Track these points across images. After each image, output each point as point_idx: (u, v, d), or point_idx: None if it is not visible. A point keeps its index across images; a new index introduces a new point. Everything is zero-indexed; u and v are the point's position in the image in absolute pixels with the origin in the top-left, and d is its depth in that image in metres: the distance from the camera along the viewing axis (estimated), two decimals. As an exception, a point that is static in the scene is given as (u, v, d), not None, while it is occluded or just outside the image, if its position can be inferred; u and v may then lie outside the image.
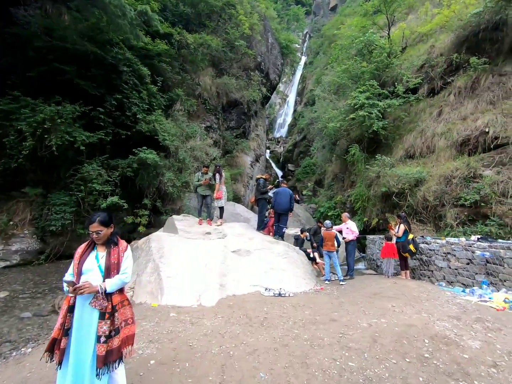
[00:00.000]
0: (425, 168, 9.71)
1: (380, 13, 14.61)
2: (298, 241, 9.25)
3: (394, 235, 7.43)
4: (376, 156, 11.92)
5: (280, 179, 22.67)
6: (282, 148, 37.29)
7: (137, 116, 11.61)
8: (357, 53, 12.45)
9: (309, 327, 4.08)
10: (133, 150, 11.17)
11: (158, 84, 12.89)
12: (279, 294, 5.59)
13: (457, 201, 8.52)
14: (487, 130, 8.68)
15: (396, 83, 12.16)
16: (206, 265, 6.05)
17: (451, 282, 6.68)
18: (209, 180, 7.90)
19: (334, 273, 8.05)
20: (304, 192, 18.44)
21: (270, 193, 8.66)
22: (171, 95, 13.94)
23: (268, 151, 36.17)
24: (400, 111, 12.14)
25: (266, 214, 12.13)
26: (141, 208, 11.72)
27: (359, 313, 4.60)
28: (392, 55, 12.21)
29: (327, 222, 7.77)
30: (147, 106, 12.09)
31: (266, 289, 5.73)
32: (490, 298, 5.15)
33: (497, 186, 7.73)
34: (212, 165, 11.83)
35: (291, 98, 46.29)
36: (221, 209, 8.13)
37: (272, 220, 9.80)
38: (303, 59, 47.61)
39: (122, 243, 2.44)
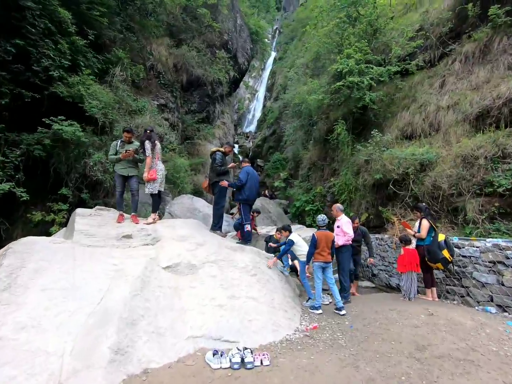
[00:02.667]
0: (432, 148, 7.34)
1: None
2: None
3: (414, 235, 4.85)
4: (361, 140, 9.45)
5: (241, 158, 19.62)
6: (251, 143, 34.75)
7: (51, 73, 8.11)
8: (340, 19, 9.91)
9: None
10: (44, 120, 7.78)
11: (90, 37, 9.41)
12: (242, 363, 2.70)
13: (481, 189, 6.20)
14: (515, 97, 6.44)
15: (388, 52, 9.78)
16: (101, 303, 2.99)
17: (507, 306, 4.22)
18: (133, 152, 4.79)
19: (327, 292, 5.34)
20: (276, 184, 15.68)
21: (242, 175, 5.57)
22: (109, 57, 10.47)
23: (236, 146, 33.56)
24: (391, 85, 9.79)
25: (237, 216, 8.85)
26: (56, 202, 8.28)
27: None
28: (382, 19, 9.81)
29: (320, 217, 4.96)
30: (68, 63, 8.58)
31: (215, 353, 2.78)
32: None
33: (541, 167, 5.47)
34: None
35: (261, 93, 43.91)
36: (155, 197, 5.04)
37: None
38: (273, 54, 45.45)
39: None
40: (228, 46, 19.44)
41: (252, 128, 39.17)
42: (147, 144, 4.78)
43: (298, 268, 5.70)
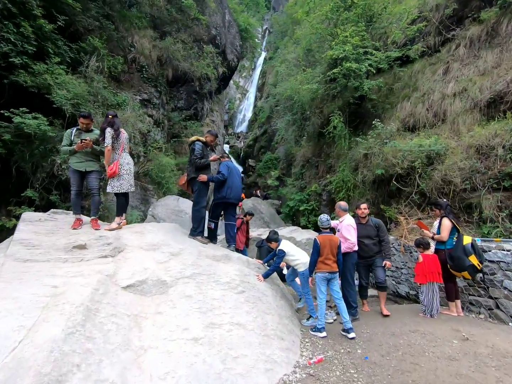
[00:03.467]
0: (440, 139, 6.56)
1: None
2: (262, 250, 5.49)
3: (433, 237, 4.01)
4: (359, 134, 8.63)
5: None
6: (242, 143, 33.99)
7: (12, 60, 7.11)
8: (335, 3, 9.09)
9: None
10: (4, 112, 6.83)
11: (59, 23, 8.38)
12: None
13: (499, 182, 5.43)
14: (533, 79, 5.71)
15: (385, 39, 9.01)
16: (15, 351, 2.04)
17: (551, 324, 3.42)
18: (90, 142, 3.82)
19: (330, 308, 4.47)
20: (269, 182, 14.76)
21: (222, 169, 4.73)
22: (83, 46, 9.42)
23: (227, 146, 32.78)
24: (390, 75, 9.03)
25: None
26: (20, 205, 7.27)
27: None
28: (378, 5, 9.03)
29: (324, 217, 4.05)
30: (33, 50, 7.56)
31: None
32: None
33: None
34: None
35: (251, 93, 43.25)
36: (120, 198, 4.07)
37: (239, 222, 6.03)
38: (263, 54, 44.80)
39: None
40: (216, 41, 18.49)
41: (243, 128, 38.48)
42: (108, 132, 3.82)
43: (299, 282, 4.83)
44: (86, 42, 9.54)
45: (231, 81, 44.42)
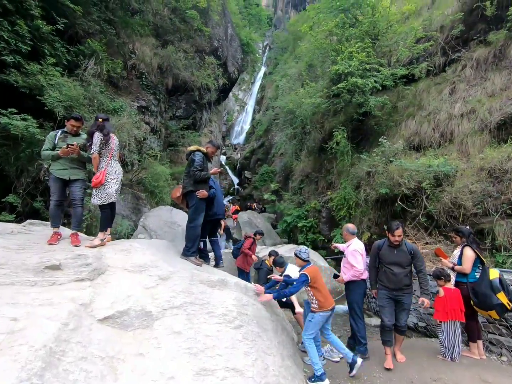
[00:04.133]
0: (449, 160, 6.27)
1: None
2: (261, 273, 5.00)
3: (453, 268, 3.59)
4: (361, 150, 8.34)
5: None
6: (239, 154, 33.84)
7: (4, 58, 6.75)
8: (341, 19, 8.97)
9: None
10: (-11, 111, 6.35)
11: (59, 26, 8.08)
12: None
13: (513, 208, 5.12)
14: (546, 103, 5.50)
15: (390, 57, 8.88)
16: None
17: None
18: (76, 148, 3.36)
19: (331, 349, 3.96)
20: (266, 196, 14.34)
21: (212, 184, 4.40)
22: (82, 49, 9.10)
23: (224, 157, 32.56)
24: (393, 93, 8.85)
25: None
26: (0, 211, 6.74)
27: None
28: (383, 23, 8.96)
29: (303, 249, 3.45)
30: (27, 49, 7.21)
31: None
32: None
33: None
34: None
35: (250, 106, 43.57)
36: (106, 210, 3.59)
37: (249, 242, 5.80)
38: (263, 69, 45.41)
39: None
40: (218, 53, 18.45)
41: (241, 140, 38.47)
42: (97, 137, 3.39)
43: (297, 307, 4.34)
44: (85, 45, 9.23)
45: (230, 93, 44.70)
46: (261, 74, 44.23)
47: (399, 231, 3.37)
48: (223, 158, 32.20)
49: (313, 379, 3.10)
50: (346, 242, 4.10)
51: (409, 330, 5.12)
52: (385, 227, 7.05)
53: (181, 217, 10.24)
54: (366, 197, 7.62)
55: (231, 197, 24.73)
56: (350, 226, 4.11)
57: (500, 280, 3.19)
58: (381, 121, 8.50)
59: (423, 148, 7.37)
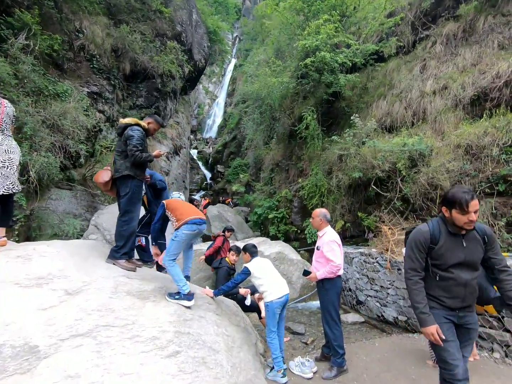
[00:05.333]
0: (424, 139, 5.79)
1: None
2: (220, 273, 4.19)
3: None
4: (332, 135, 7.72)
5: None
6: (211, 148, 32.72)
7: None
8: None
9: None
10: None
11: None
12: None
13: (491, 186, 4.70)
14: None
15: (358, 36, 8.30)
16: None
17: None
18: None
19: (307, 351, 3.28)
20: (234, 188, 13.48)
21: (157, 175, 3.56)
22: (10, 20, 7.64)
23: (195, 151, 31.37)
24: (363, 74, 8.31)
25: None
26: None
27: None
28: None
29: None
30: None
31: None
32: None
33: None
34: None
35: (221, 99, 42.34)
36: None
37: (220, 241, 5.02)
38: (233, 61, 44.20)
39: None
40: (182, 39, 17.09)
41: (213, 134, 37.37)
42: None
43: (263, 311, 3.62)
44: (14, 16, 7.77)
45: (201, 86, 43.04)
46: (231, 66, 43.04)
47: (475, 204, 1.79)
48: (194, 152, 31.03)
49: (176, 296, 2.61)
50: (319, 231, 3.37)
51: (388, 325, 4.59)
52: (359, 214, 6.52)
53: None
54: (338, 183, 7.04)
55: (203, 192, 23.79)
56: (325, 211, 3.39)
57: (497, 268, 2.62)
58: (351, 103, 7.94)
59: (395, 129, 6.89)
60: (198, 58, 20.06)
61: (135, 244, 3.19)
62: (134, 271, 2.90)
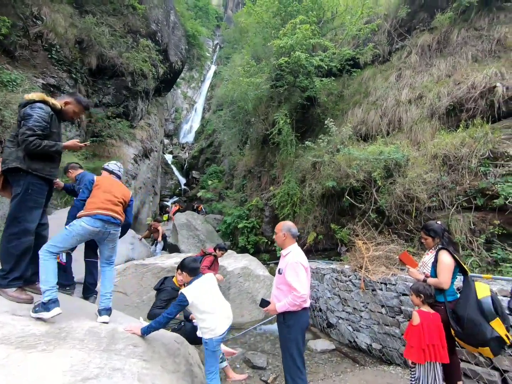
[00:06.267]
0: (400, 148, 5.44)
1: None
2: (162, 295, 3.38)
3: (427, 281, 2.46)
4: (306, 142, 7.29)
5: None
6: (187, 154, 31.78)
7: None
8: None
9: None
10: None
11: None
12: None
13: (469, 200, 4.37)
14: (497, 85, 4.93)
15: (335, 42, 8.01)
16: None
17: None
18: None
19: None
20: (200, 194, 12.67)
21: (88, 183, 2.76)
22: None
23: (170, 156, 30.37)
24: (339, 82, 8.01)
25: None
26: None
27: None
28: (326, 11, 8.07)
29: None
30: None
31: None
32: None
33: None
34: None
35: (200, 104, 41.69)
36: None
37: (209, 261, 4.32)
38: (213, 68, 43.90)
39: None
40: (156, 38, 16.28)
41: (190, 139, 36.53)
42: None
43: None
44: None
45: (179, 91, 42.13)
46: (211, 72, 42.66)
47: None
48: (169, 157, 30.05)
49: (37, 308, 1.93)
50: (282, 249, 2.71)
51: (362, 354, 4.04)
52: (332, 226, 6.04)
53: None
54: (311, 192, 6.55)
55: (176, 198, 22.80)
56: (290, 224, 2.72)
57: (493, 299, 2.13)
58: (327, 110, 7.58)
59: (371, 137, 6.55)
60: (174, 60, 19.28)
61: (31, 266, 2.30)
62: (29, 302, 2.10)
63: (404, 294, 3.52)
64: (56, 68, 10.21)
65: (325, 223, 6.53)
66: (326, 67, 6.62)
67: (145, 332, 2.25)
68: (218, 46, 49.09)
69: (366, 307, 4.09)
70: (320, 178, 6.39)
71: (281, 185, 7.45)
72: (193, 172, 26.19)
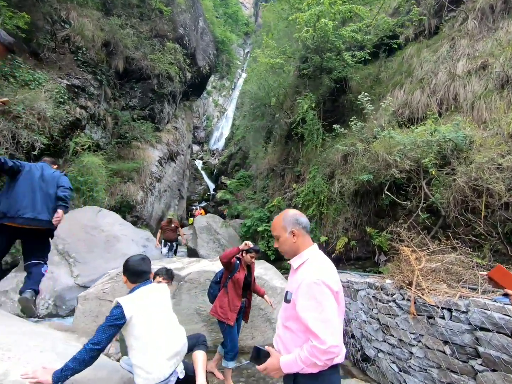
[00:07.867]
0: (461, 127, 4.16)
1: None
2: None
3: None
4: (334, 126, 6.14)
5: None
6: (217, 160, 32.00)
7: None
8: None
9: None
10: None
11: None
12: None
13: None
14: None
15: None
16: None
17: None
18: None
19: None
20: (219, 195, 11.93)
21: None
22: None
23: (201, 162, 30.83)
24: (374, 66, 6.84)
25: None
26: None
27: None
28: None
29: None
30: None
31: None
32: None
33: None
34: None
35: (230, 112, 42.08)
36: None
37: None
38: (243, 75, 44.25)
39: None
40: (184, 42, 16.23)
41: (220, 145, 36.91)
42: None
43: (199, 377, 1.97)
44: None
45: (210, 99, 42.94)
46: (241, 80, 43.02)
47: None
48: (199, 163, 30.47)
49: None
50: (293, 257, 1.45)
51: (414, 408, 2.81)
52: (368, 230, 4.85)
53: (109, 221, 7.71)
54: (341, 189, 5.42)
55: (205, 203, 22.75)
56: (297, 213, 1.47)
57: None
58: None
59: (416, 121, 5.28)
60: (202, 64, 19.18)
61: None
62: None
63: (482, 329, 2.30)
64: (81, 69, 10.22)
65: (358, 226, 5.33)
66: (361, 40, 5.50)
67: (59, 379, 1.38)
68: (248, 55, 49.53)
69: (420, 341, 2.88)
70: (352, 172, 5.25)
71: (306, 182, 6.39)
72: (222, 177, 26.03)
